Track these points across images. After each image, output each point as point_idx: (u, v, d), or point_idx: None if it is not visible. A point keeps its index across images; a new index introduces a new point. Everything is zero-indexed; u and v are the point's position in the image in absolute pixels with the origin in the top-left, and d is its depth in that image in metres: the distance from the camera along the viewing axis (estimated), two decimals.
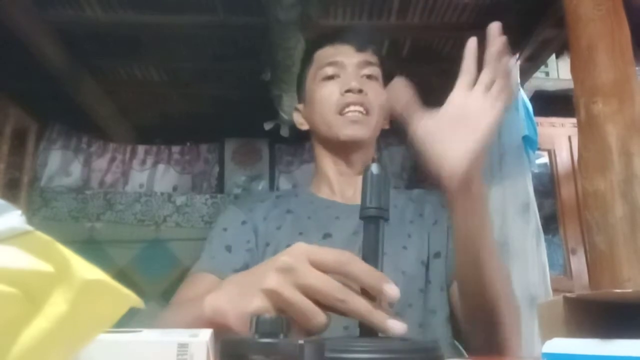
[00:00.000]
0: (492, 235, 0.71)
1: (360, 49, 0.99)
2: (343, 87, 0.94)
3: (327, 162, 1.01)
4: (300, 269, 0.47)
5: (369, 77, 0.99)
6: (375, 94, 0.97)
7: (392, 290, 0.47)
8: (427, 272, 0.91)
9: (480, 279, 0.69)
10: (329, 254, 0.48)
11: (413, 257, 0.91)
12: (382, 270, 0.49)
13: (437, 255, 0.94)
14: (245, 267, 0.88)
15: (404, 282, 0.86)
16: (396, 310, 0.82)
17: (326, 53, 1.00)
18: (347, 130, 0.93)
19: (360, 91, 0.93)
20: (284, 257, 0.49)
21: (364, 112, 0.94)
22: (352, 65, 0.97)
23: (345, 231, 0.92)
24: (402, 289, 0.83)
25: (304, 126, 1.06)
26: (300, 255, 0.48)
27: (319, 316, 0.46)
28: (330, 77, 0.97)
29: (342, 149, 0.97)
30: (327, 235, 0.92)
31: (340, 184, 1.00)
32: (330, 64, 0.98)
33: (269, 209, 0.99)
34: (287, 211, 0.98)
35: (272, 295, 0.47)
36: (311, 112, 1.01)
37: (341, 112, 0.94)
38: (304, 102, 1.05)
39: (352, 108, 0.93)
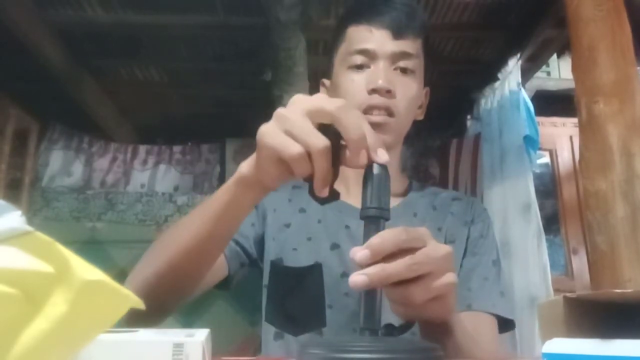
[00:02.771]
0: (460, 340, 0.63)
1: (398, 35, 0.85)
2: (369, 85, 0.83)
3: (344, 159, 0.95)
4: (291, 117, 0.51)
5: (403, 70, 0.86)
6: (407, 91, 0.85)
7: (381, 154, 0.50)
8: None
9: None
10: (326, 105, 0.51)
11: None
12: None
13: None
14: (246, 238, 0.86)
15: None
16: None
17: (360, 34, 0.87)
18: None
19: (388, 92, 0.82)
20: (281, 110, 0.53)
21: (389, 115, 0.83)
22: (385, 57, 0.85)
23: (354, 244, 0.86)
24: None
25: None
26: (297, 108, 0.52)
27: (293, 146, 0.50)
28: (359, 67, 0.86)
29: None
30: (335, 246, 0.86)
31: (356, 184, 0.89)
32: (361, 52, 0.86)
33: (281, 201, 0.94)
34: (300, 209, 0.92)
35: (263, 138, 0.53)
36: (336, 97, 0.93)
37: (364, 112, 0.83)
38: (331, 81, 0.95)
39: (375, 112, 0.83)
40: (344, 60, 0.88)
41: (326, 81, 0.97)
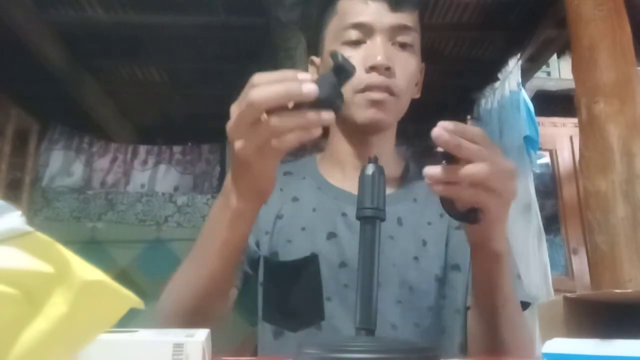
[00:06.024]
0: (509, 293, 0.66)
1: (396, 7, 0.78)
2: (367, 61, 0.77)
3: (341, 143, 0.86)
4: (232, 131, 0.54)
5: (402, 45, 0.79)
6: (407, 68, 0.79)
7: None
8: (441, 287, 0.80)
9: (492, 326, 0.66)
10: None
11: (425, 270, 0.80)
12: (377, 273, 0.49)
13: (456, 267, 0.82)
14: (247, 249, 0.83)
15: (411, 299, 0.78)
16: (401, 327, 0.77)
17: (353, 7, 0.80)
18: (366, 112, 0.78)
19: (387, 69, 0.76)
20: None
21: (390, 94, 0.78)
22: (382, 31, 0.78)
23: (352, 232, 0.81)
24: (409, 307, 0.77)
25: None
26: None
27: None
28: (355, 43, 0.79)
29: (359, 131, 0.82)
30: (331, 235, 0.82)
31: (352, 169, 0.85)
32: (356, 26, 0.79)
33: (272, 192, 0.90)
34: (293, 198, 0.87)
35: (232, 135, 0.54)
36: None
37: (362, 90, 0.78)
38: (321, 58, 0.87)
39: (376, 91, 0.77)
40: (337, 36, 0.81)
41: (315, 59, 0.90)
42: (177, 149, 3.01)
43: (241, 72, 2.84)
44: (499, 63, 2.35)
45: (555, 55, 2.55)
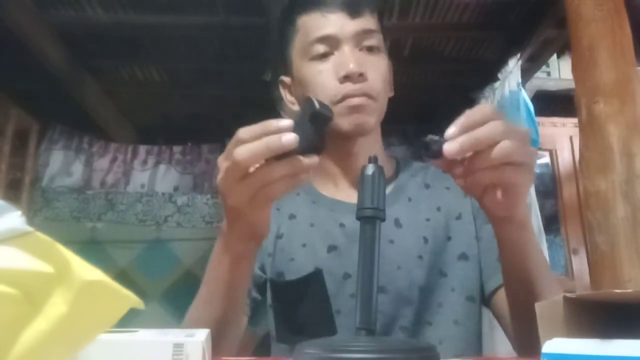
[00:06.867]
0: (540, 259, 0.66)
1: (355, 14, 0.79)
2: (340, 72, 0.77)
3: (328, 155, 0.86)
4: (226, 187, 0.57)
5: (369, 49, 0.80)
6: (378, 70, 0.80)
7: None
8: (448, 281, 0.80)
9: (532, 298, 0.64)
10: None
11: (430, 267, 0.80)
12: (378, 273, 0.49)
13: (463, 257, 0.82)
14: (254, 274, 0.82)
15: (422, 298, 0.79)
16: (413, 329, 0.77)
17: (314, 22, 0.80)
18: (349, 119, 0.79)
19: (361, 75, 0.77)
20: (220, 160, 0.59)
21: (368, 97, 0.79)
22: (348, 39, 0.79)
23: (352, 242, 0.80)
24: (420, 307, 0.78)
25: (295, 106, 0.88)
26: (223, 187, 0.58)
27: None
28: (323, 56, 0.79)
29: (344, 139, 0.83)
30: (332, 248, 0.82)
31: (343, 179, 0.87)
32: (321, 40, 0.79)
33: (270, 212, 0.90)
34: (290, 216, 0.87)
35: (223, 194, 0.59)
36: (303, 93, 0.83)
37: (340, 100, 0.78)
38: (292, 77, 0.87)
39: (353, 97, 0.78)
40: (304, 53, 0.82)
41: (285, 79, 0.90)
42: (177, 149, 3.01)
43: (241, 72, 2.86)
44: (499, 63, 2.35)
45: (555, 55, 2.55)
